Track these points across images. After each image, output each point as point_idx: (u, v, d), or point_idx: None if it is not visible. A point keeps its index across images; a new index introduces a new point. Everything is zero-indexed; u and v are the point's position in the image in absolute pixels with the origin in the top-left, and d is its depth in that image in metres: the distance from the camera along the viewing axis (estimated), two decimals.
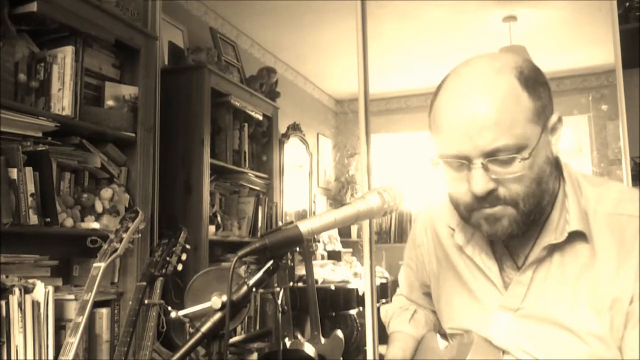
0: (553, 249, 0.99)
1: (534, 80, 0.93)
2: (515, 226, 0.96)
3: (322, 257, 4.96)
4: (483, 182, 0.92)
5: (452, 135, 0.94)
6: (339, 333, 3.57)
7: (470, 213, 0.99)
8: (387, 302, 1.55)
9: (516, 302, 1.02)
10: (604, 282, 0.94)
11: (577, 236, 0.97)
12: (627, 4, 2.81)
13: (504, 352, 1.03)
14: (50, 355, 1.93)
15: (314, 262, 3.83)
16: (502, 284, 1.05)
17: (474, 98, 0.92)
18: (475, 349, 1.02)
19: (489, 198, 0.94)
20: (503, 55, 0.97)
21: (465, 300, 1.11)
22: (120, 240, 1.94)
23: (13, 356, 1.83)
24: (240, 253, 0.92)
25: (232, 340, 3.25)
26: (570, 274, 0.97)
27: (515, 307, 1.02)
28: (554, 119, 0.97)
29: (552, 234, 0.99)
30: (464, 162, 0.94)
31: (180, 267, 2.13)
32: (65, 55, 2.19)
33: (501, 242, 1.06)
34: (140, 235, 2.32)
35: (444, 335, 1.21)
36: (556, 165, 1.03)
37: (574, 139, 5.30)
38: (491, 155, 0.91)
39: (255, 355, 3.22)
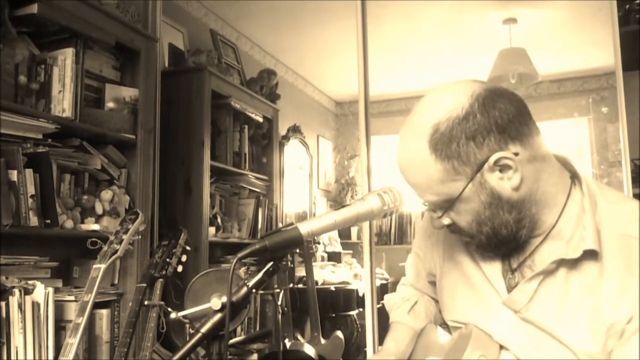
0: (561, 262, 0.98)
1: (447, 139, 0.95)
2: (483, 249, 1.04)
3: (322, 259, 4.96)
4: (433, 219, 1.05)
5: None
6: (339, 334, 3.57)
7: None
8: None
9: (517, 307, 1.02)
10: (606, 305, 0.93)
11: (589, 254, 0.96)
12: (627, 6, 2.81)
13: (502, 347, 1.04)
14: (50, 356, 1.93)
15: (314, 263, 3.84)
16: (504, 287, 1.05)
17: (400, 160, 1.03)
18: (474, 342, 1.02)
19: (450, 228, 1.05)
20: (430, 107, 0.99)
21: (467, 294, 1.12)
22: (120, 242, 1.94)
23: (13, 357, 1.83)
24: (240, 254, 0.92)
25: (232, 341, 3.25)
26: (575, 292, 0.97)
27: (516, 310, 1.02)
28: (492, 160, 0.94)
29: (563, 247, 0.98)
30: None
31: (180, 268, 2.13)
32: (66, 57, 2.20)
33: None
34: (140, 236, 2.32)
35: (445, 327, 1.22)
36: (573, 174, 1.04)
37: (574, 141, 5.30)
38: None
39: (255, 356, 3.22)
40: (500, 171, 0.95)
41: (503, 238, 0.99)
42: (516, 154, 0.94)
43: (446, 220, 1.02)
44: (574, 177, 1.04)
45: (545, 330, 0.98)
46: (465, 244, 1.12)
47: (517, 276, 1.04)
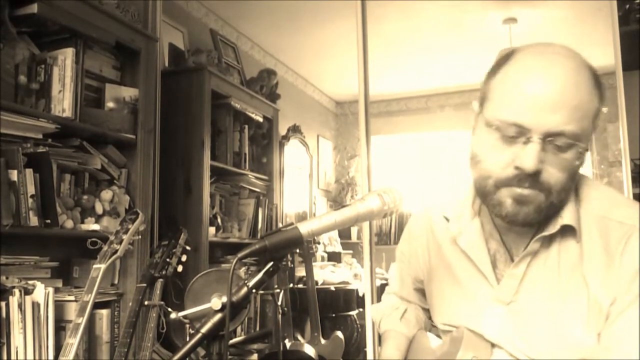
0: (548, 243, 1.00)
1: (602, 86, 0.97)
2: (537, 215, 0.96)
3: (322, 259, 4.96)
4: (537, 158, 0.91)
5: (523, 104, 0.92)
6: (339, 334, 3.57)
7: (498, 188, 0.97)
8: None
9: (508, 295, 1.02)
10: (590, 283, 0.95)
11: (569, 232, 0.98)
12: (627, 6, 2.81)
13: (493, 345, 1.04)
14: (51, 356, 1.93)
15: (314, 263, 3.84)
16: (495, 279, 1.05)
17: (561, 75, 0.92)
18: (466, 344, 1.02)
19: (530, 179, 0.93)
20: (577, 53, 0.98)
21: (457, 295, 1.12)
22: (120, 242, 1.94)
23: (13, 357, 1.83)
24: (240, 254, 0.92)
25: (232, 341, 3.25)
26: (564, 272, 0.98)
27: (507, 301, 1.03)
28: (596, 127, 0.98)
29: (546, 227, 1.00)
30: (521, 133, 0.92)
31: (180, 268, 2.13)
32: (66, 57, 2.20)
33: (498, 236, 1.07)
34: (140, 236, 2.32)
35: (436, 333, 1.22)
36: None
37: None
38: (553, 136, 0.91)
39: (255, 356, 3.22)
40: None
41: (562, 204, 0.98)
42: None
43: (541, 165, 0.92)
44: None
45: (539, 316, 0.99)
46: (452, 242, 1.13)
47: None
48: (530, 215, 0.96)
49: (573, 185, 0.99)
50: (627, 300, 0.91)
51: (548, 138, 0.91)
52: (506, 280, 1.03)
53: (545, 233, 0.99)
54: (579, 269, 0.96)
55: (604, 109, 0.99)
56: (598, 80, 0.96)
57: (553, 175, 0.93)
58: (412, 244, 1.28)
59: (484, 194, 1.00)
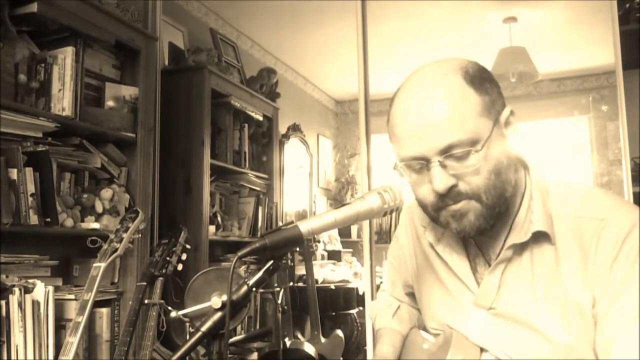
0: (521, 249, 1.00)
1: (479, 78, 0.97)
2: (482, 220, 0.97)
3: (322, 257, 4.97)
4: (443, 179, 0.94)
5: (409, 138, 0.97)
6: (339, 332, 3.57)
7: (437, 212, 1.00)
8: None
9: (488, 301, 1.03)
10: (568, 286, 0.94)
11: (542, 237, 0.98)
12: (627, 5, 2.81)
13: (482, 349, 1.04)
14: (51, 355, 1.93)
15: (314, 262, 3.84)
16: (475, 284, 1.06)
17: (423, 100, 0.97)
18: (455, 346, 1.02)
19: (451, 194, 0.96)
20: (448, 59, 1.01)
21: (443, 299, 1.13)
22: (120, 240, 1.94)
23: (13, 356, 1.83)
24: (240, 253, 0.92)
25: (232, 339, 3.25)
26: (538, 276, 0.98)
27: (487, 306, 1.03)
28: (505, 112, 0.98)
29: (518, 234, 1.00)
30: (422, 163, 0.96)
31: (180, 267, 2.13)
32: (66, 56, 2.20)
33: (473, 241, 1.08)
34: (140, 235, 2.32)
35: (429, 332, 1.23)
36: (522, 164, 1.05)
37: (574, 139, 5.30)
38: (447, 152, 0.93)
39: (255, 355, 3.22)
40: (504, 127, 0.98)
41: (505, 202, 0.98)
42: None
43: (451, 180, 0.95)
44: (524, 167, 1.05)
45: (517, 319, 0.99)
46: (432, 247, 1.13)
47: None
48: (475, 224, 0.98)
49: (506, 178, 0.97)
50: (608, 298, 0.91)
51: (443, 156, 0.94)
52: (484, 287, 1.03)
53: (517, 241, 0.99)
54: (556, 272, 0.96)
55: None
56: (474, 74, 0.97)
57: (470, 182, 0.95)
58: (400, 251, 1.30)
59: (432, 220, 1.04)
